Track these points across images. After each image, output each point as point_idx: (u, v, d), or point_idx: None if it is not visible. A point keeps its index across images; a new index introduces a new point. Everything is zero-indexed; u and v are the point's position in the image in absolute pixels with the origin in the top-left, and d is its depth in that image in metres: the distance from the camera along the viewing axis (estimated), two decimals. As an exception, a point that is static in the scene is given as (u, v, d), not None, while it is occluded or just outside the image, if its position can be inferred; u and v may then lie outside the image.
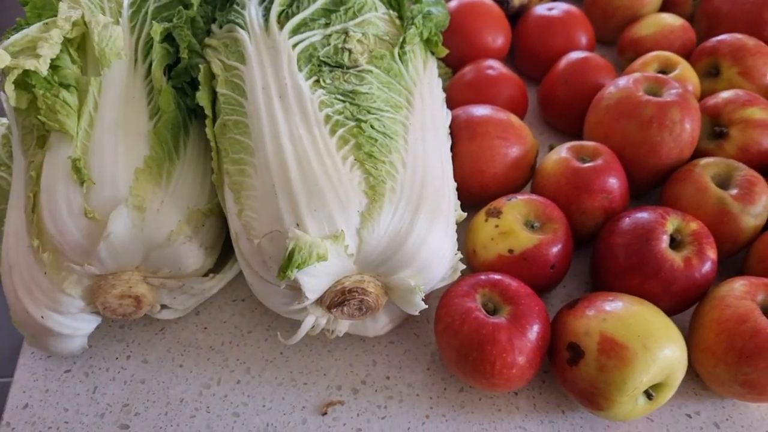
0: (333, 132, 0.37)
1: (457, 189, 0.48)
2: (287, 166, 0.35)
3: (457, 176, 0.48)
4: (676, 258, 0.41)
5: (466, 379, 0.40)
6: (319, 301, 0.38)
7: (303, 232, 0.34)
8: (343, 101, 0.39)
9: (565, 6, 0.62)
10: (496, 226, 0.43)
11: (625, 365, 0.36)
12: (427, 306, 0.39)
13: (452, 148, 0.48)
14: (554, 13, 0.61)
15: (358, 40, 0.42)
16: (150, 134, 0.41)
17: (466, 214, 0.45)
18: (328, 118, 0.38)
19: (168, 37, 0.44)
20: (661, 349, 0.37)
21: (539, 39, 0.61)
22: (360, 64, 0.41)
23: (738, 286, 0.40)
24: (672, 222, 0.42)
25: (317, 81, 0.39)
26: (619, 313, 0.38)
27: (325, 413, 0.41)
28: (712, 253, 0.42)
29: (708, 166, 0.47)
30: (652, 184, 0.50)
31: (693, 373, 0.43)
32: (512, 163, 0.48)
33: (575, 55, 0.56)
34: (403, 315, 0.43)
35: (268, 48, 0.41)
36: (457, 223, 0.44)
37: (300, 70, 0.39)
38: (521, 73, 0.64)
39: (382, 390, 0.43)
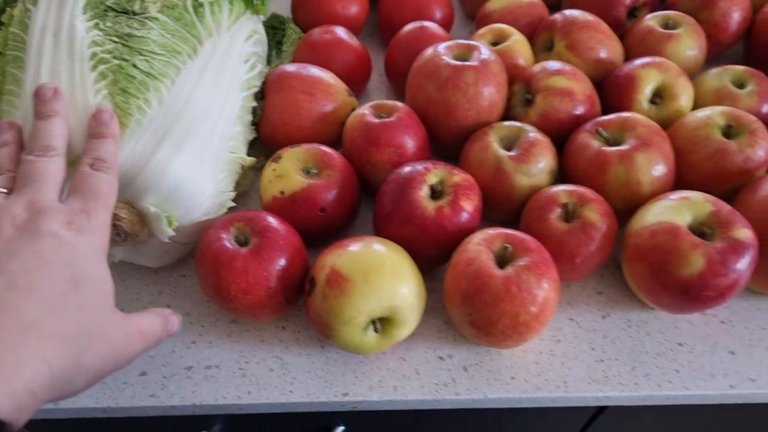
0: (94, 68, 0.40)
1: (267, 139, 0.51)
2: (39, 97, 0.39)
3: (267, 127, 0.51)
4: (429, 206, 0.43)
5: (215, 304, 0.43)
6: (82, 225, 0.41)
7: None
8: (116, 42, 0.42)
9: (425, -20, 0.64)
10: (274, 170, 0.46)
11: (343, 295, 0.39)
12: (174, 233, 0.42)
13: (263, 101, 0.51)
14: (410, -15, 0.63)
15: (156, -10, 0.45)
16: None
17: (254, 159, 0.48)
18: (94, 55, 0.41)
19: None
20: (382, 285, 0.39)
21: (395, 11, 0.64)
22: (149, 11, 0.44)
23: (481, 234, 0.42)
24: (435, 174, 0.45)
25: (97, 24, 0.42)
26: (356, 251, 0.41)
27: (100, 332, 0.45)
28: (468, 205, 0.44)
29: (499, 129, 0.49)
30: (457, 144, 0.52)
31: (454, 320, 0.45)
32: (318, 117, 0.51)
33: (413, 24, 0.59)
34: (183, 249, 0.46)
35: (61, -8, 0.44)
36: (245, 168, 0.47)
37: (84, 12, 0.43)
38: (385, 45, 0.67)
39: (160, 316, 0.46)
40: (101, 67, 0.40)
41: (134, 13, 0.44)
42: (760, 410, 0.50)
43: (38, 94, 0.37)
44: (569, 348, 0.45)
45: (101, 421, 0.43)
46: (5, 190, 0.33)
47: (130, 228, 0.41)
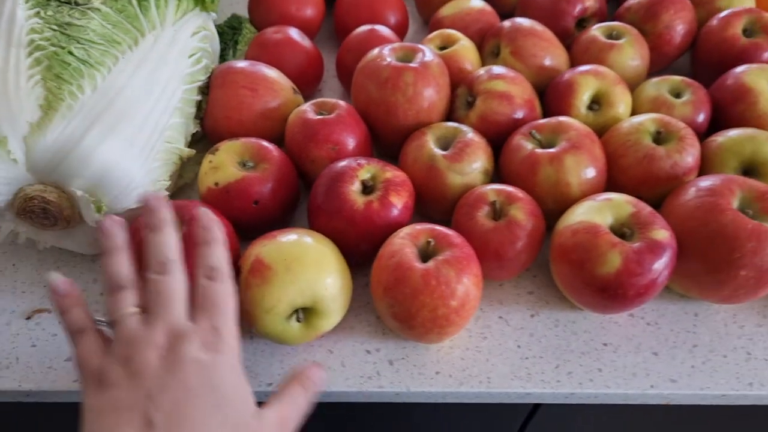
0: (30, 54, 0.41)
1: (211, 133, 0.52)
2: (-29, 79, 0.40)
3: (210, 121, 0.52)
4: (358, 200, 0.44)
5: (142, 292, 0.43)
6: (12, 209, 0.42)
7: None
8: (55, 30, 0.43)
9: (380, -15, 0.65)
10: (210, 162, 0.47)
11: (264, 284, 0.39)
12: (102, 219, 0.42)
13: (208, 95, 0.52)
14: (365, -10, 0.64)
15: (99, -18, 0.46)
16: None
17: (193, 151, 0.49)
18: (31, 42, 0.42)
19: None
20: (304, 274, 0.40)
21: (350, 15, 0.65)
22: (92, 2, 0.45)
23: (408, 229, 0.43)
24: (368, 170, 0.45)
25: (38, 12, 0.43)
26: (282, 241, 0.41)
27: (29, 318, 0.45)
28: (397, 201, 0.44)
29: (437, 129, 0.50)
30: (398, 143, 0.53)
31: (383, 315, 0.46)
32: (261, 113, 0.52)
33: (364, 27, 0.60)
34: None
35: (5, -18, 0.45)
36: (185, 159, 0.48)
37: (26, 1, 0.44)
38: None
39: (92, 305, 0.46)
40: (37, 54, 0.41)
41: (77, 4, 0.45)
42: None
43: (145, 204, 0.37)
44: (495, 345, 0.45)
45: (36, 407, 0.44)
46: (139, 310, 0.34)
47: (60, 213, 0.42)
